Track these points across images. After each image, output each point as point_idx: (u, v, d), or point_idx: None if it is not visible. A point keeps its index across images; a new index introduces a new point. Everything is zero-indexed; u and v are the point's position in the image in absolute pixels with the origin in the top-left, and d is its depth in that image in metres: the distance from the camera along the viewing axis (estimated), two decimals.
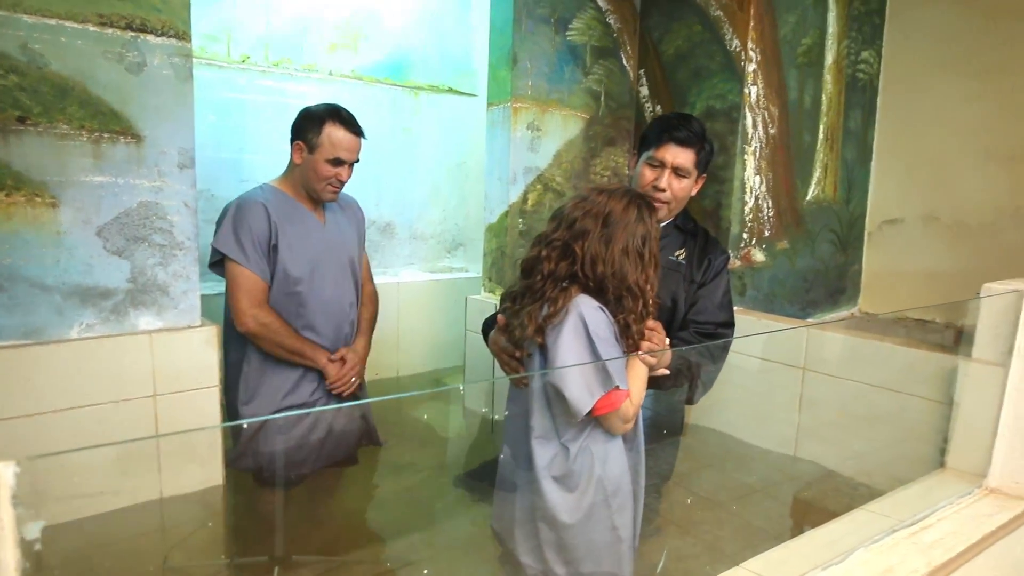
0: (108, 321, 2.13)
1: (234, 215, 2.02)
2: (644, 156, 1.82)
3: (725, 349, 1.92)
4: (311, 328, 2.09)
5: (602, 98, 3.31)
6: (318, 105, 2.10)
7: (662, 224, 1.87)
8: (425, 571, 2.18)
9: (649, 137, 1.82)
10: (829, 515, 1.83)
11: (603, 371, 1.36)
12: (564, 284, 1.41)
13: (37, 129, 1.93)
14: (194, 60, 3.21)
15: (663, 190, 1.77)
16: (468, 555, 2.23)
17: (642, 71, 3.37)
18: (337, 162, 2.05)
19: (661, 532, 2.25)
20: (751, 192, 3.00)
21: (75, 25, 1.95)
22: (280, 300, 2.06)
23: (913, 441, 2.42)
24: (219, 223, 2.04)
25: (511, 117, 3.05)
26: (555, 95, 3.15)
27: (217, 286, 2.66)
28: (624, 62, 3.34)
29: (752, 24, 2.88)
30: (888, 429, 2.54)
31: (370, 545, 2.40)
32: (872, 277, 3.59)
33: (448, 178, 4.28)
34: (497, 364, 1.66)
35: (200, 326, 2.28)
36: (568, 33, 3.14)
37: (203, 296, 2.32)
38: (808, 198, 3.26)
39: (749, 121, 2.94)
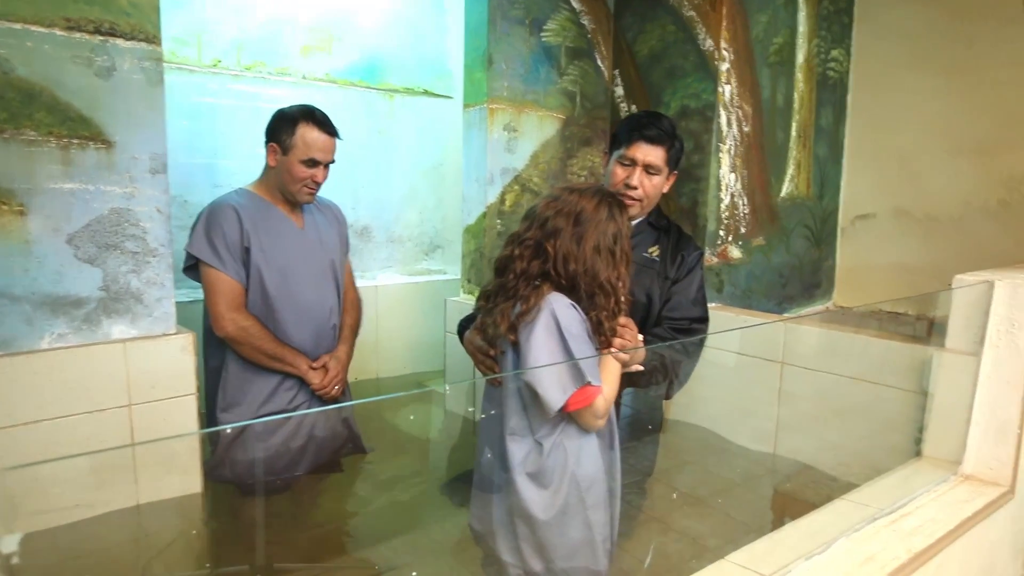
0: (80, 330, 2.08)
1: (206, 219, 2.00)
2: (615, 155, 1.84)
3: (700, 344, 1.94)
4: (287, 334, 2.07)
5: (578, 99, 3.32)
6: (292, 106, 2.08)
7: (635, 221, 1.89)
8: (414, 574, 2.17)
9: (620, 136, 1.84)
10: (810, 507, 1.85)
11: (575, 367, 1.38)
12: (536, 282, 1.43)
13: (3, 136, 1.88)
14: (165, 64, 3.17)
15: (635, 188, 1.79)
16: (453, 559, 2.22)
17: (617, 71, 3.39)
18: (312, 163, 2.03)
19: (646, 528, 2.26)
20: (727, 190, 3.03)
21: (41, 29, 1.91)
22: (255, 305, 2.03)
23: (890, 431, 2.46)
24: (192, 228, 2.02)
25: (487, 118, 3.05)
26: (531, 96, 3.16)
27: (192, 293, 2.62)
28: (599, 63, 3.36)
29: (724, 24, 2.91)
30: (865, 420, 2.58)
31: (354, 551, 2.38)
32: (846, 271, 3.64)
33: (425, 180, 4.27)
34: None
35: (175, 333, 2.25)
36: (543, 34, 3.15)
37: (178, 303, 2.28)
38: (782, 195, 3.30)
39: (724, 120, 2.97)
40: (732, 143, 3.02)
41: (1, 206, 1.91)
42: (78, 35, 1.96)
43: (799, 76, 3.28)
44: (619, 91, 3.39)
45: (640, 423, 2.17)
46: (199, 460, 2.32)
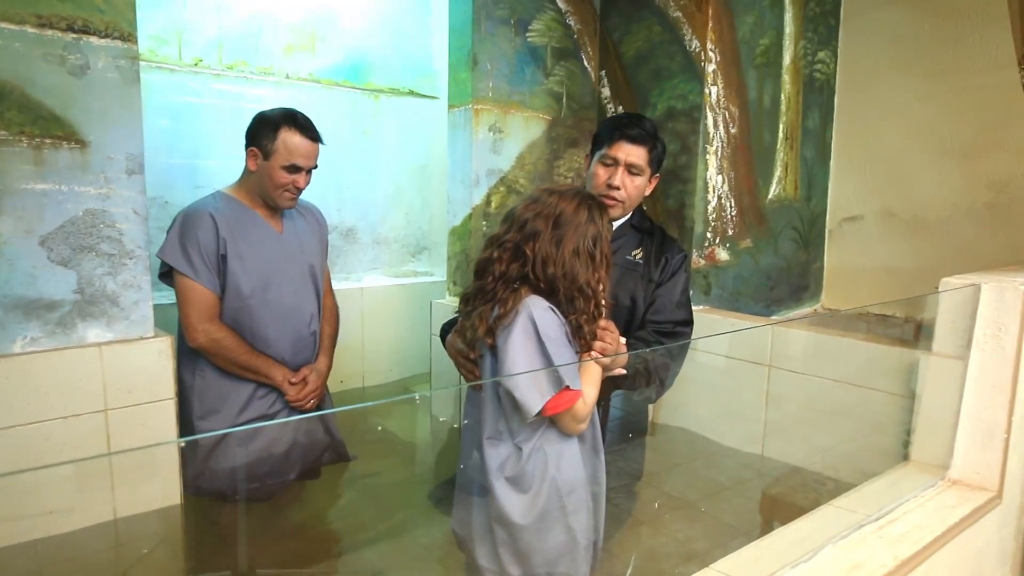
0: (54, 334, 2.04)
1: (181, 226, 1.95)
2: (597, 155, 1.82)
3: (684, 348, 1.92)
4: (265, 341, 2.03)
5: (564, 99, 3.30)
6: (273, 110, 2.04)
7: (618, 224, 1.86)
8: None
9: (602, 136, 1.82)
10: (797, 510, 1.83)
11: (553, 371, 1.36)
12: (515, 285, 1.41)
13: None
14: (144, 63, 3.12)
15: (617, 188, 1.77)
16: (437, 565, 2.19)
17: (603, 72, 3.37)
18: (293, 169, 1.99)
19: (634, 532, 2.24)
20: (714, 191, 3.02)
21: (12, 26, 1.86)
22: (232, 313, 1.99)
23: (878, 434, 2.45)
24: (167, 233, 1.98)
25: (472, 119, 3.02)
26: (516, 97, 3.13)
27: (172, 295, 2.58)
28: (585, 63, 3.34)
29: (711, 25, 2.89)
30: (853, 424, 2.57)
31: (338, 557, 2.35)
32: (833, 273, 3.64)
33: (411, 181, 4.23)
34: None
35: (153, 337, 2.20)
36: (528, 34, 3.12)
37: (157, 306, 2.24)
38: (770, 197, 3.29)
39: (710, 121, 2.95)
40: (719, 145, 3.00)
41: None
42: (50, 32, 1.92)
43: (786, 78, 3.27)
44: (606, 92, 3.37)
45: (625, 427, 2.15)
46: (178, 467, 2.28)
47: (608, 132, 1.80)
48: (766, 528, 2.59)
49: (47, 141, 1.95)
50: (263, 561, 2.09)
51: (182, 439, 2.32)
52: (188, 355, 2.07)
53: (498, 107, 3.08)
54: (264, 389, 2.07)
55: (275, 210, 2.09)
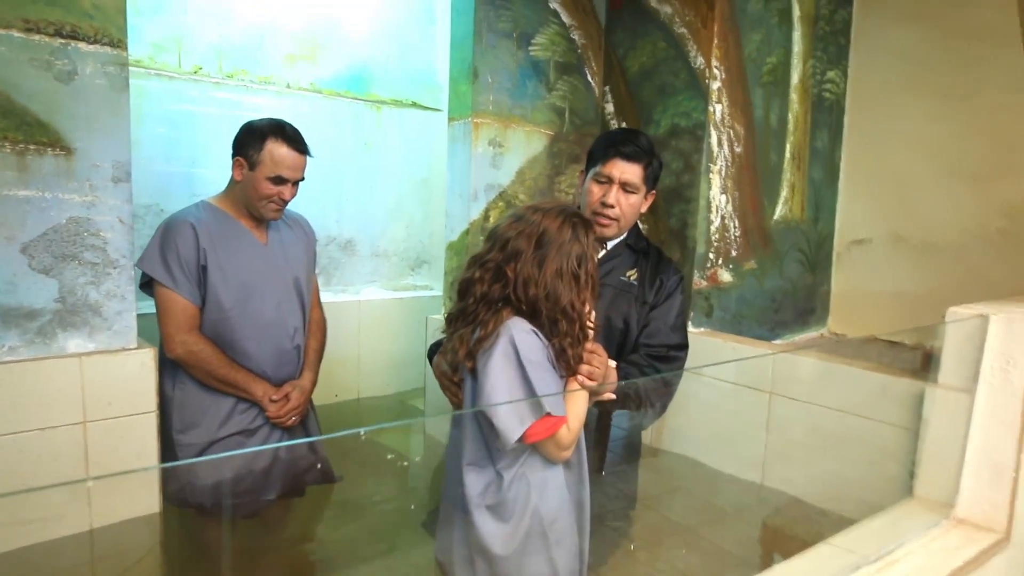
0: (33, 344, 2.00)
1: (161, 236, 1.92)
2: (591, 172, 1.77)
3: (678, 374, 1.86)
4: (245, 354, 1.98)
5: (566, 114, 3.25)
6: (261, 119, 2.00)
7: (613, 243, 1.81)
8: None
9: (596, 153, 1.77)
10: (798, 542, 1.75)
11: (535, 397, 1.30)
12: (497, 307, 1.36)
13: None
14: (143, 70, 3.10)
15: (612, 206, 1.72)
16: None
17: (607, 88, 3.31)
18: (279, 180, 1.95)
19: (631, 559, 2.17)
20: (717, 211, 2.95)
21: None
22: (212, 325, 1.95)
23: (882, 467, 2.37)
24: (148, 243, 1.95)
25: (472, 133, 2.97)
26: (518, 111, 3.08)
27: None
28: (589, 78, 3.29)
29: (716, 42, 2.84)
30: (857, 455, 2.48)
31: None
32: (841, 297, 3.55)
33: (412, 194, 4.19)
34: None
35: (136, 348, 2.16)
36: (531, 48, 3.07)
37: (141, 316, 2.19)
38: (776, 217, 3.22)
39: (714, 139, 2.89)
40: (723, 163, 2.94)
41: None
42: (37, 37, 1.89)
43: (794, 97, 3.21)
44: (609, 108, 3.32)
45: (619, 452, 2.09)
46: (158, 481, 2.23)
47: (602, 149, 1.75)
48: (767, 561, 2.51)
49: (31, 147, 1.92)
50: None
51: (158, 465, 2.26)
52: (169, 367, 2.02)
53: (498, 121, 3.03)
54: (245, 403, 2.02)
55: (260, 220, 2.04)
